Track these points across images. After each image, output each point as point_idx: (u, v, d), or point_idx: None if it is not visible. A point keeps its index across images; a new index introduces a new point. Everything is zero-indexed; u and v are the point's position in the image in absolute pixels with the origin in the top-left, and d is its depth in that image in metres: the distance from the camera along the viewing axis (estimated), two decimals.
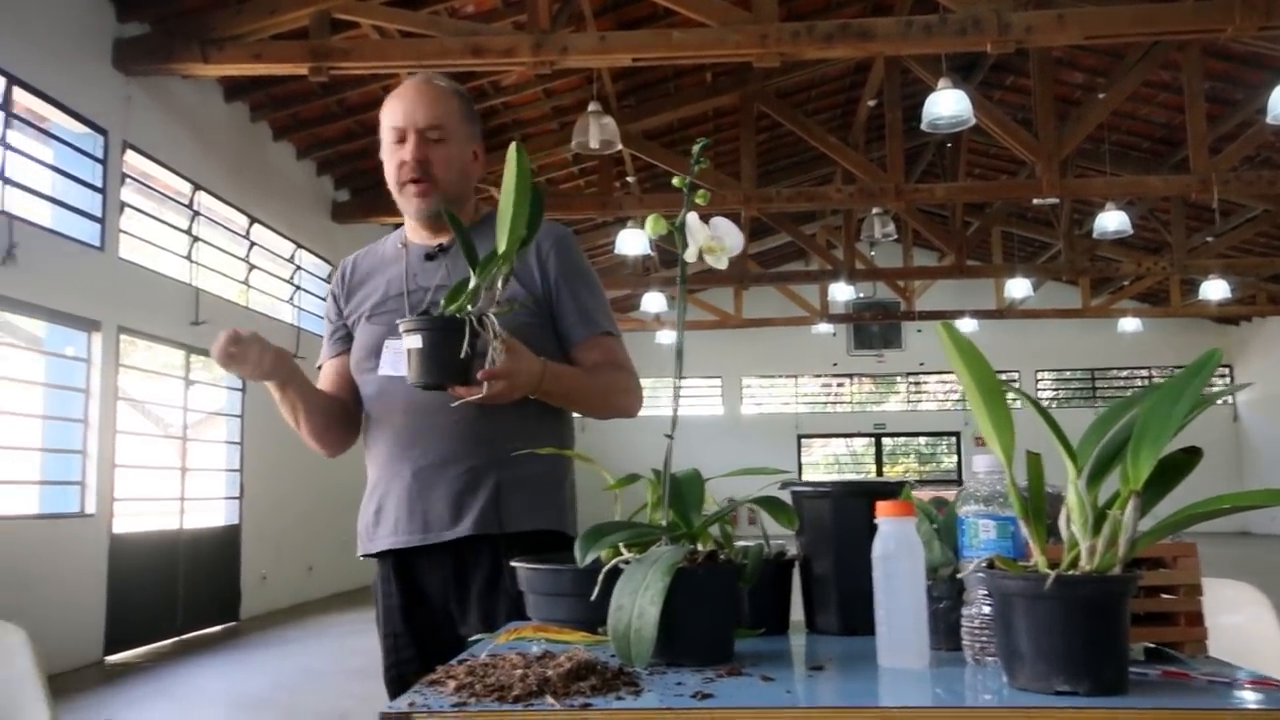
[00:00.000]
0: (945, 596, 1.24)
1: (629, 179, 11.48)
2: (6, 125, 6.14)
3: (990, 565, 1.07)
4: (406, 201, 1.85)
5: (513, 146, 1.52)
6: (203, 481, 8.48)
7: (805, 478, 1.62)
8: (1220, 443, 18.18)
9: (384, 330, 1.84)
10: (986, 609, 1.13)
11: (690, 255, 1.16)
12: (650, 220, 1.14)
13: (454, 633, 1.80)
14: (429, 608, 1.84)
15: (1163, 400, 0.96)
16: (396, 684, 1.82)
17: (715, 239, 1.16)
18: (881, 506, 1.17)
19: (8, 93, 6.13)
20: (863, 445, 21.28)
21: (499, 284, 1.55)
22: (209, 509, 8.57)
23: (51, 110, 6.58)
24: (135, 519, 7.50)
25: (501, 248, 1.52)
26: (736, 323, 15.70)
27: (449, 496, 1.79)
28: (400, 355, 1.72)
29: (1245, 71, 10.06)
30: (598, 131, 7.80)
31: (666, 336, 17.44)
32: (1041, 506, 1.04)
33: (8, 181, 6.10)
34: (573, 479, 1.93)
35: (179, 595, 7.69)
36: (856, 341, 20.18)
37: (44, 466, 6.77)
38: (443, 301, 1.58)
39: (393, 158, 1.85)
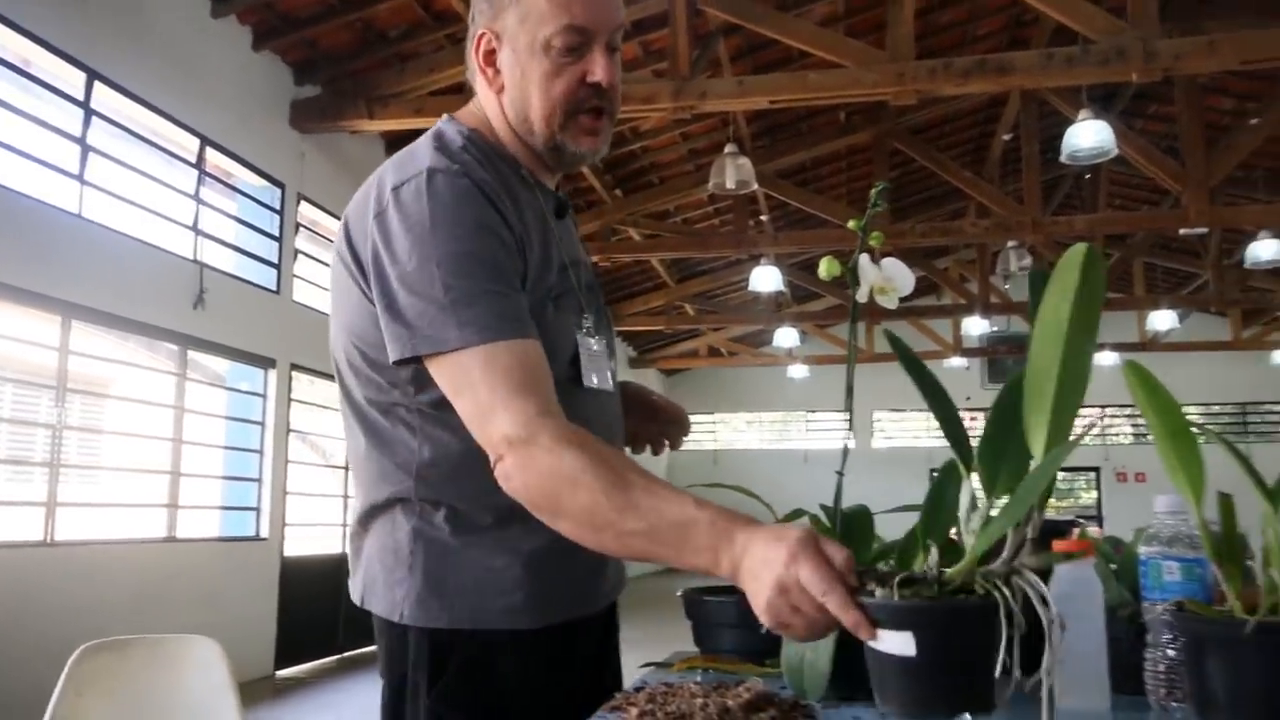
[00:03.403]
0: (1123, 638, 1.19)
1: (763, 217, 11.48)
2: (200, 182, 6.61)
3: (1180, 608, 1.02)
4: (574, 138, 1.25)
5: None
6: None
7: None
8: None
9: (571, 324, 1.27)
10: (1173, 652, 1.08)
11: (862, 295, 1.16)
12: (824, 262, 1.15)
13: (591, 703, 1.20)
14: (580, 681, 1.32)
15: None
16: None
17: (887, 279, 1.16)
18: (1059, 545, 1.13)
19: (201, 153, 6.61)
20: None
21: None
22: None
23: (236, 167, 7.04)
24: (303, 543, 7.83)
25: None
26: (867, 357, 15.36)
27: None
28: (596, 360, 1.29)
29: None
30: (734, 172, 7.84)
31: (797, 371, 17.25)
32: (1236, 549, 0.99)
33: (200, 233, 6.56)
34: None
35: (340, 615, 7.97)
36: (990, 375, 19.53)
37: (224, 493, 7.16)
38: (929, 564, 0.94)
39: (565, 74, 1.22)
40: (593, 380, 1.27)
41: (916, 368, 1.03)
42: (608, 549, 1.09)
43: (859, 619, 0.89)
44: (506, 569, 1.20)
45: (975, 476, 0.97)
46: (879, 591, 0.91)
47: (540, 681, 1.24)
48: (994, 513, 0.94)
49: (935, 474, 1.09)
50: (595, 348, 1.29)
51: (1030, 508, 0.90)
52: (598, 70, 1.22)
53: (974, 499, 0.96)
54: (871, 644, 0.90)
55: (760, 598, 0.93)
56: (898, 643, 0.88)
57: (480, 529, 1.21)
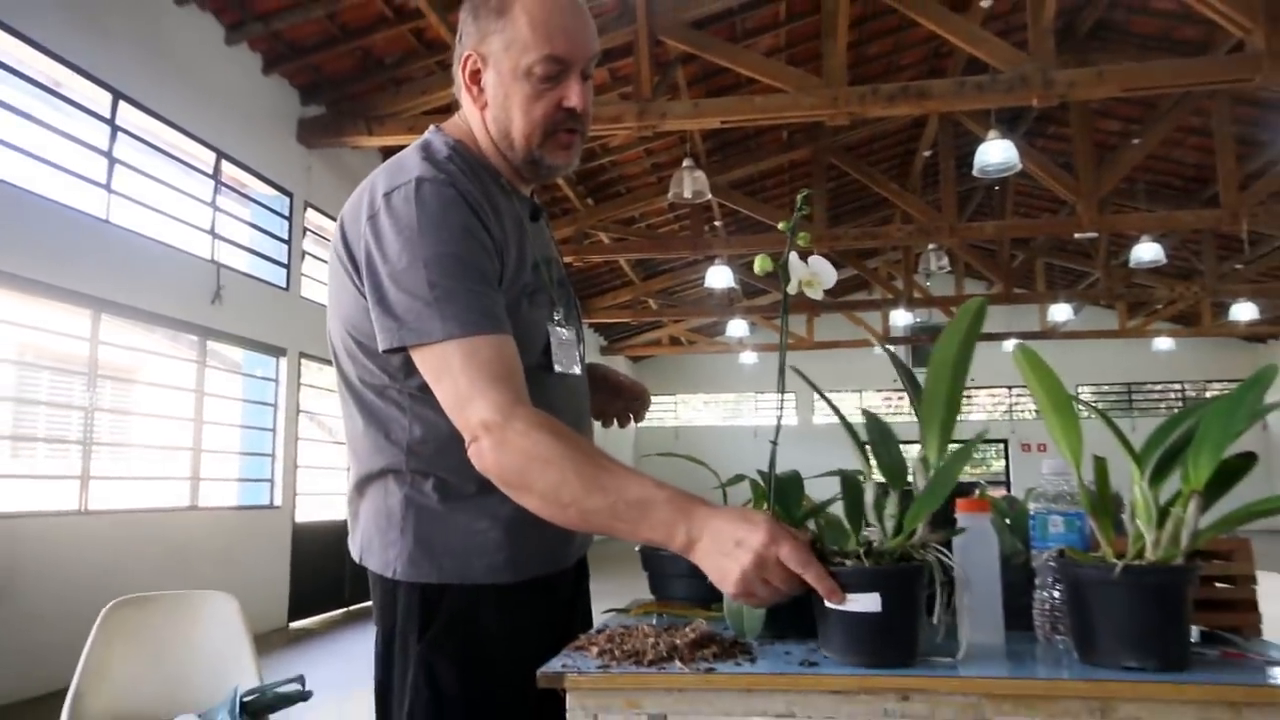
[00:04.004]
0: (1016, 582, 1.21)
1: (717, 223, 11.50)
2: (216, 191, 6.50)
3: (1061, 555, 1.04)
4: (550, 153, 1.24)
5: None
6: None
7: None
8: (1252, 449, 17.15)
9: (544, 316, 1.25)
10: (1057, 593, 1.10)
11: (791, 289, 1.16)
12: (758, 259, 1.15)
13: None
14: (573, 625, 1.33)
15: (1222, 409, 0.93)
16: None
17: (813, 274, 1.16)
18: (962, 503, 1.15)
19: (217, 165, 6.49)
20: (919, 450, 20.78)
21: None
22: None
23: (249, 178, 6.93)
24: (312, 510, 7.76)
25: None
26: (809, 345, 15.53)
27: None
28: (565, 348, 1.27)
29: (1272, 115, 9.54)
30: (690, 183, 7.84)
31: (748, 357, 17.33)
32: (1108, 504, 1.01)
33: (217, 237, 6.45)
34: None
35: (346, 573, 7.92)
36: (914, 360, 19.71)
37: (241, 467, 7.07)
38: (884, 535, 1.03)
39: (545, 98, 1.20)
40: (563, 366, 1.25)
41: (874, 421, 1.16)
42: (570, 523, 1.07)
43: (833, 586, 0.95)
44: (488, 531, 1.19)
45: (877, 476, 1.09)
46: (849, 562, 0.98)
47: (520, 630, 1.22)
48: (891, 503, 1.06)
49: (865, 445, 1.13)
50: (565, 337, 1.27)
51: (942, 500, 1.01)
52: (573, 97, 1.20)
53: (878, 495, 1.06)
54: (840, 606, 0.95)
55: (733, 572, 0.96)
56: (864, 602, 0.94)
57: (465, 497, 1.19)
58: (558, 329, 1.26)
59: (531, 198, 1.33)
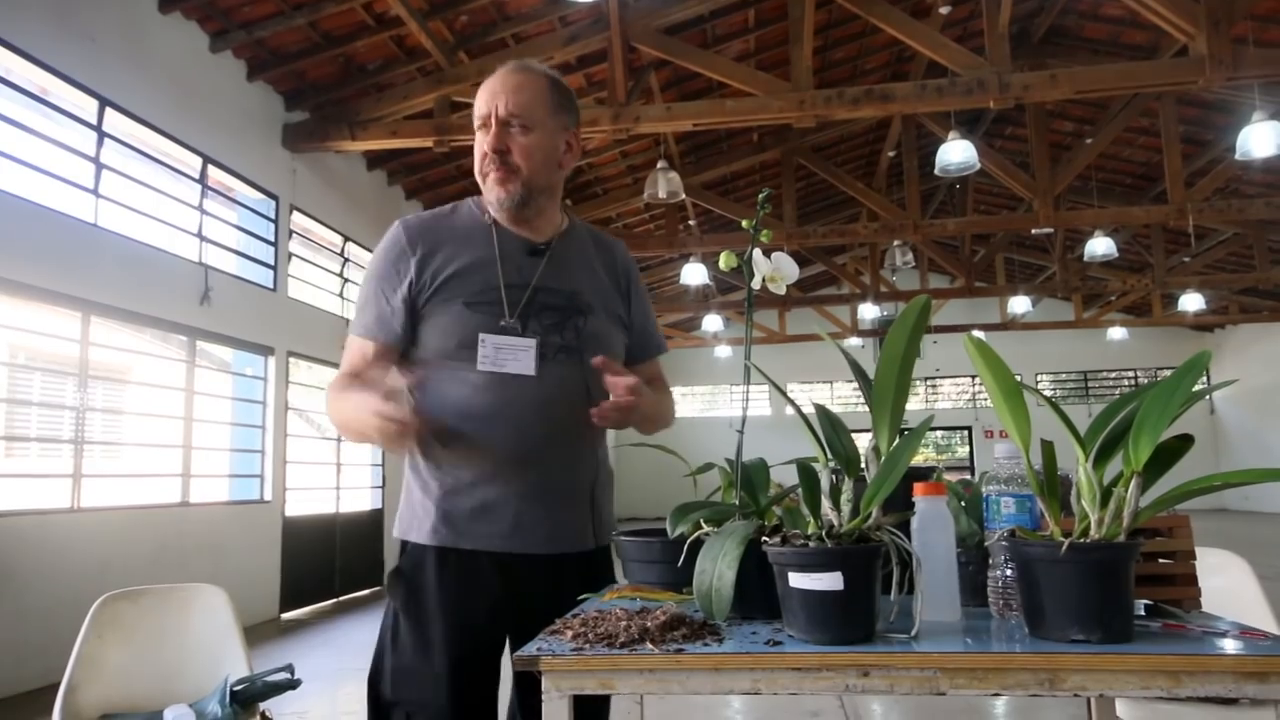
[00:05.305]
0: (971, 561, 1.23)
1: (690, 222, 11.50)
2: (204, 195, 6.41)
3: (1012, 535, 1.05)
4: (488, 190, 1.49)
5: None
6: (353, 474, 8.68)
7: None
8: (1198, 432, 17.37)
9: (483, 320, 1.43)
10: (1009, 571, 1.11)
11: (755, 284, 1.17)
12: (723, 256, 1.15)
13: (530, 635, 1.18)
14: (529, 609, 1.38)
15: (1160, 394, 0.94)
16: (472, 678, 1.40)
17: (776, 270, 1.17)
18: (919, 487, 1.16)
19: (204, 170, 6.41)
20: (870, 439, 20.87)
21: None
22: (358, 496, 8.76)
23: (236, 182, 6.84)
24: (302, 504, 7.70)
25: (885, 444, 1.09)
26: (781, 338, 15.59)
27: (580, 509, 1.48)
28: (506, 351, 1.42)
29: (1215, 116, 9.68)
30: (665, 184, 7.83)
31: (723, 351, 17.34)
32: (1055, 486, 1.02)
33: (205, 239, 6.37)
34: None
35: (336, 565, 7.88)
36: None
37: (232, 463, 7.00)
38: (839, 520, 1.07)
39: (477, 147, 1.51)
40: (502, 367, 1.42)
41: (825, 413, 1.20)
42: (361, 439, 1.40)
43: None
44: (425, 500, 1.45)
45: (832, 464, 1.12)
46: (811, 543, 1.02)
47: (459, 593, 1.41)
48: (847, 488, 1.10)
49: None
50: (506, 343, 1.43)
51: (895, 484, 1.04)
52: (484, 142, 1.48)
53: (833, 481, 1.10)
54: (805, 586, 0.98)
55: (380, 432, 1.29)
56: (828, 581, 0.98)
57: (420, 470, 1.47)
58: (500, 335, 1.43)
59: (547, 243, 1.53)
